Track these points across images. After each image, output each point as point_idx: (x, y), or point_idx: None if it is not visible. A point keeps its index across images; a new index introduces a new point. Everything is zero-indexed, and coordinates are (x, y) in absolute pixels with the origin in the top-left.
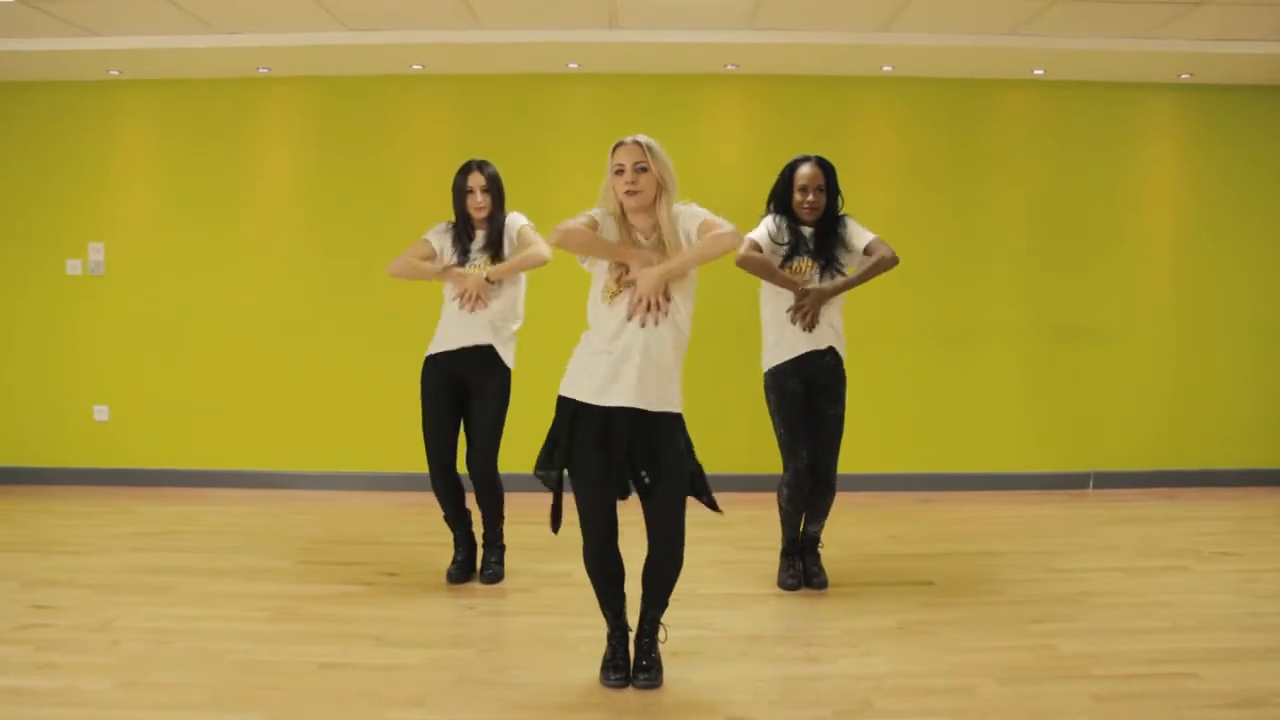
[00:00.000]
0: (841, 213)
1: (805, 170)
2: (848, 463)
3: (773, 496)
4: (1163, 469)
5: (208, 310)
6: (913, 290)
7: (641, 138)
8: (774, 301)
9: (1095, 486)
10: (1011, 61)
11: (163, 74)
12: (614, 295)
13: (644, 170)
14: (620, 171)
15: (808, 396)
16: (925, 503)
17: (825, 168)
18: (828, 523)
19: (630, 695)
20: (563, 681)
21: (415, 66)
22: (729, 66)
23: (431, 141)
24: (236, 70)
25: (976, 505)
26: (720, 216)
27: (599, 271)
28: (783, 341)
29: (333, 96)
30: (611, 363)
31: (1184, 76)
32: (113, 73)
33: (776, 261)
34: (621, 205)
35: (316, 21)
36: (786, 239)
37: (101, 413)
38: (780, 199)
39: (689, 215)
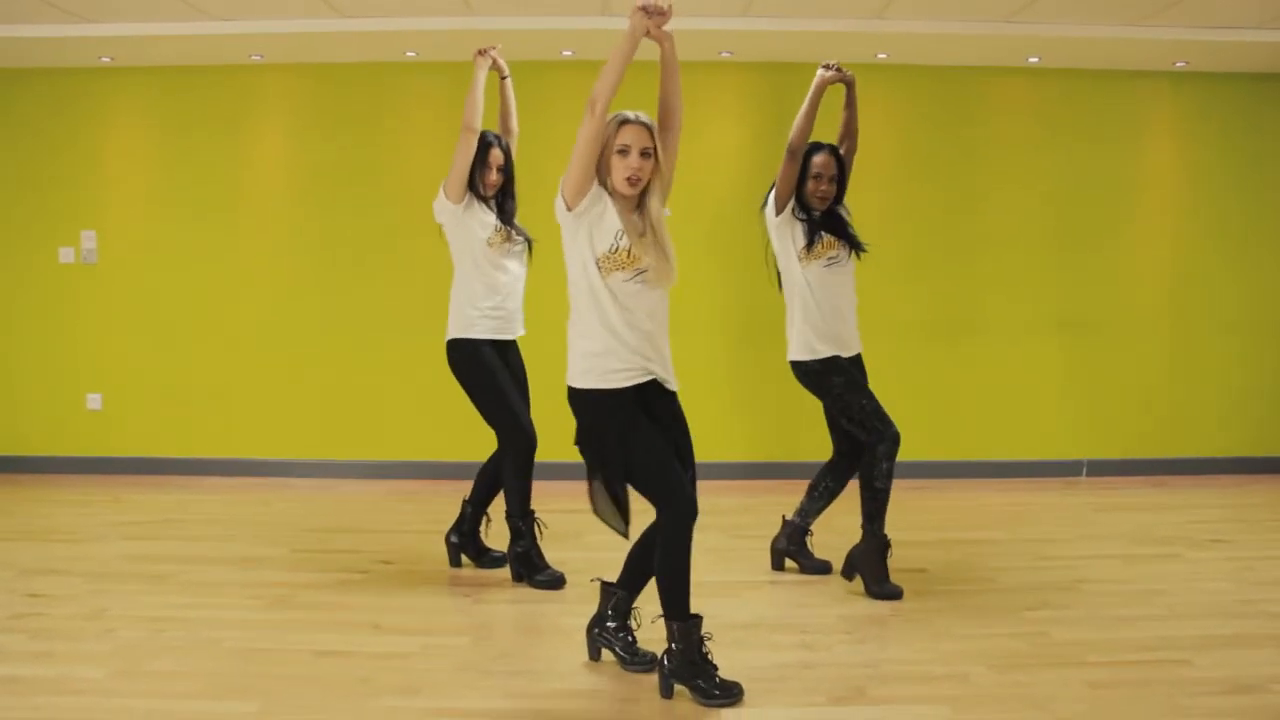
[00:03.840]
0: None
1: (820, 158)
2: None
3: (768, 484)
4: (1156, 457)
5: (201, 298)
6: (906, 280)
7: (646, 117)
8: (812, 298)
9: (1089, 474)
10: (1006, 49)
11: (155, 61)
12: (617, 268)
13: (648, 156)
14: (625, 152)
15: None
16: (919, 490)
17: (838, 157)
18: (825, 510)
19: (624, 682)
20: (560, 669)
21: (409, 54)
22: (723, 54)
23: (425, 129)
24: (230, 57)
25: (970, 493)
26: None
27: (588, 238)
28: (835, 338)
29: (326, 84)
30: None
31: (1179, 64)
32: (104, 60)
33: (799, 244)
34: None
35: (310, 8)
36: (802, 230)
37: (95, 401)
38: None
39: None
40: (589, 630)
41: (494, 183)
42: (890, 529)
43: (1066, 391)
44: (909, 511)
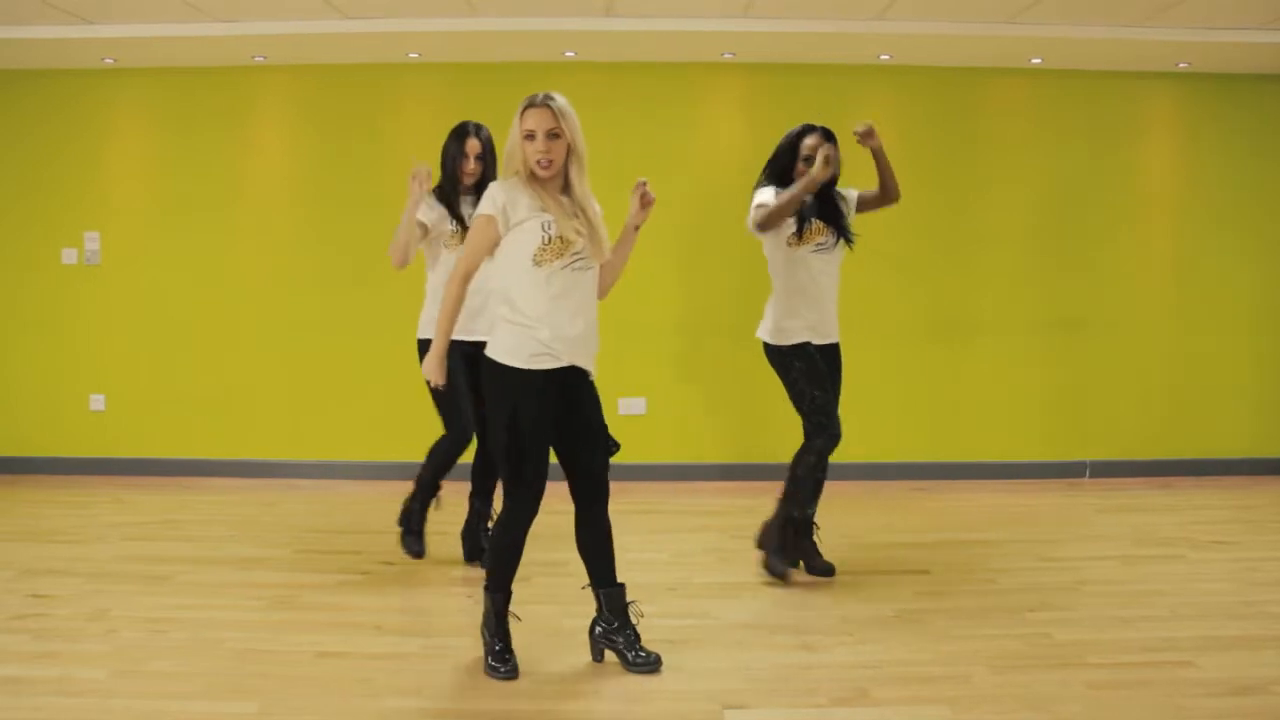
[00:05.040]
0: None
1: (811, 140)
2: (844, 451)
3: (767, 485)
4: (1159, 458)
5: (204, 299)
6: (908, 280)
7: (555, 99)
8: (787, 273)
9: (1091, 475)
10: (1008, 50)
11: (158, 62)
12: (555, 257)
13: (557, 137)
14: (531, 137)
15: None
16: (921, 492)
17: (830, 138)
18: (824, 512)
19: (626, 682)
20: (560, 670)
21: (411, 55)
22: (725, 55)
23: (427, 130)
24: (232, 58)
25: (972, 494)
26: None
27: (518, 240)
28: (808, 326)
29: (328, 85)
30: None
31: (1181, 65)
32: (107, 61)
33: (788, 231)
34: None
35: (313, 9)
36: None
37: (98, 402)
38: (781, 166)
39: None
40: (590, 632)
41: (472, 171)
42: (894, 530)
43: (1069, 392)
44: (910, 512)
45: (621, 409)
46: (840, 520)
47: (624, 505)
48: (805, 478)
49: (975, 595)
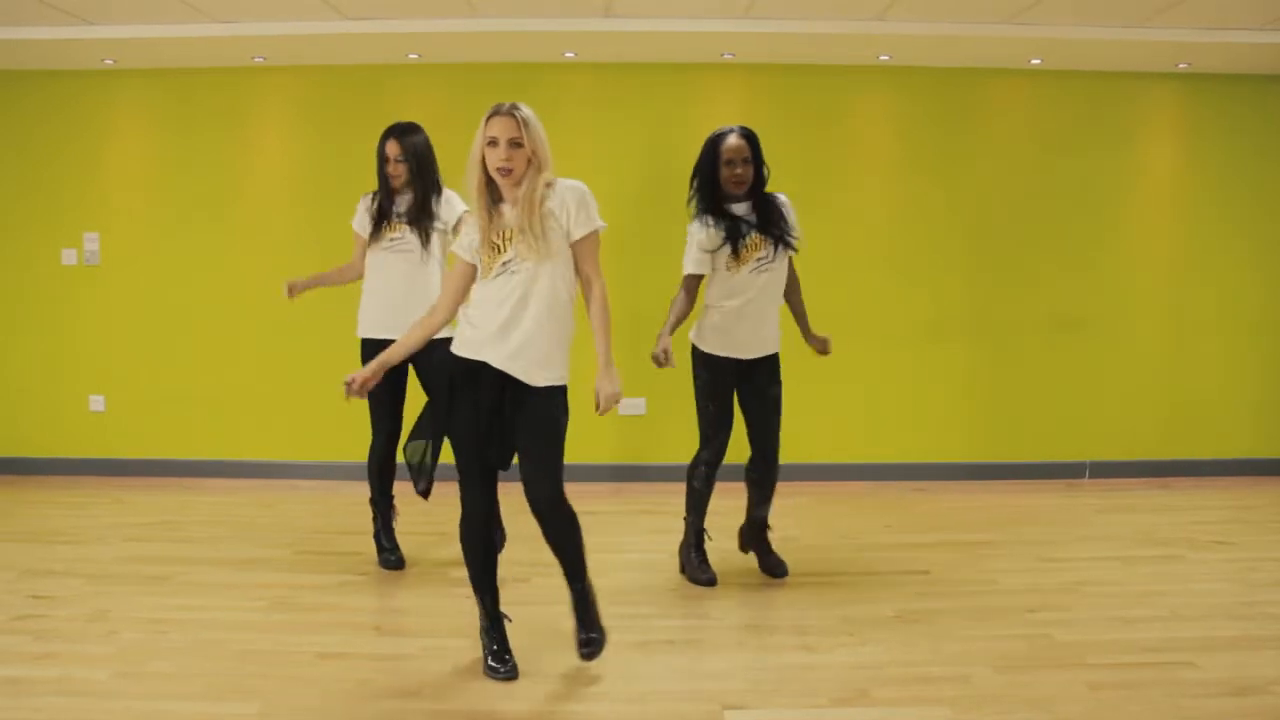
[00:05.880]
0: (769, 189)
1: (731, 142)
2: (844, 452)
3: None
4: (1158, 459)
5: (204, 300)
6: (907, 280)
7: (521, 109)
8: (725, 295)
9: (1091, 476)
10: (1008, 51)
11: (158, 63)
12: (486, 272)
13: (518, 146)
14: (494, 144)
15: (741, 377)
16: (920, 492)
17: (750, 139)
18: (824, 513)
19: (626, 683)
20: (560, 670)
21: (411, 55)
22: (725, 55)
23: (427, 130)
24: (232, 59)
25: (972, 495)
26: (593, 203)
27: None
28: (734, 342)
29: (328, 86)
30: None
31: (1181, 66)
32: (107, 62)
33: (727, 252)
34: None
35: (313, 10)
36: (723, 237)
37: (97, 403)
38: (705, 173)
39: (569, 189)
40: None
41: (395, 174)
42: (893, 531)
43: (1069, 392)
44: (911, 513)
45: (622, 409)
46: (840, 521)
47: (624, 505)
48: (701, 490)
49: (975, 595)
